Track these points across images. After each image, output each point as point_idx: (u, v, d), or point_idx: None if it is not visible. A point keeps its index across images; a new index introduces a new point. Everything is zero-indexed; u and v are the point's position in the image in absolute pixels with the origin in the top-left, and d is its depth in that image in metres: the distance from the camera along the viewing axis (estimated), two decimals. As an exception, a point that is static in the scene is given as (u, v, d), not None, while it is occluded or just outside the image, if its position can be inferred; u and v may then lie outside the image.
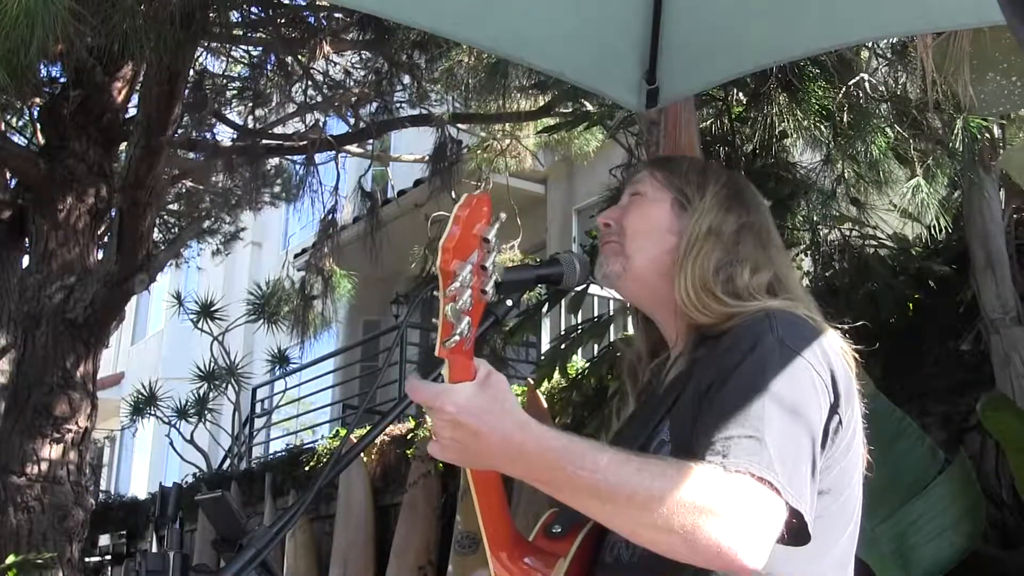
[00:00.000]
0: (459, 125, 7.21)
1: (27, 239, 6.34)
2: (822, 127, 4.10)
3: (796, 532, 1.10)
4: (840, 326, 1.34)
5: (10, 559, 4.97)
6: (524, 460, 1.08)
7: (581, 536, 1.27)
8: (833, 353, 1.25)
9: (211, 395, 11.83)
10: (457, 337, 1.07)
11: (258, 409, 11.60)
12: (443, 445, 1.10)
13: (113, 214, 5.93)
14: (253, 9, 6.14)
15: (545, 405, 5.78)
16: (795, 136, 4.20)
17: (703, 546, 1.03)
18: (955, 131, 3.65)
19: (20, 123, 7.14)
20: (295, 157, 7.89)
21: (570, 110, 5.75)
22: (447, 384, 1.09)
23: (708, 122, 4.43)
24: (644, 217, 1.41)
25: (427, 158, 7.31)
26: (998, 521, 3.51)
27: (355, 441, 1.24)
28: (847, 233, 4.47)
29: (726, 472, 1.07)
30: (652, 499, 1.04)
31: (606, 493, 1.06)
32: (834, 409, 1.20)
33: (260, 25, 6.31)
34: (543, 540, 1.30)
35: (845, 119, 4.01)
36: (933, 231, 4.06)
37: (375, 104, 7.07)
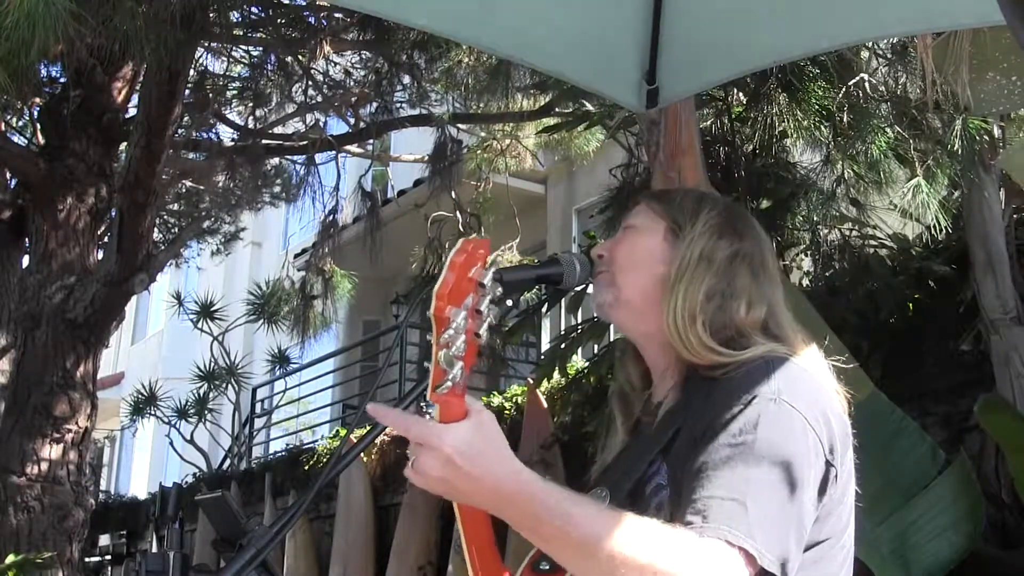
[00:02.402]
0: (459, 125, 7.21)
1: (27, 239, 6.34)
2: (822, 127, 4.10)
3: None
4: (837, 363, 1.34)
5: (10, 559, 4.97)
6: (513, 507, 1.09)
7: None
8: (827, 402, 1.25)
9: (211, 395, 11.83)
10: (449, 383, 1.08)
11: (258, 409, 11.60)
12: (428, 481, 1.10)
13: (113, 214, 5.93)
14: (253, 9, 6.14)
15: (545, 405, 5.78)
16: (795, 136, 4.21)
17: None
18: (955, 131, 3.65)
19: (20, 123, 7.13)
20: (295, 157, 7.89)
21: (570, 110, 5.76)
22: (441, 424, 1.09)
23: (708, 122, 4.44)
24: (634, 247, 1.41)
25: (427, 158, 7.32)
26: (998, 521, 3.51)
27: (355, 441, 1.24)
28: (847, 233, 4.47)
29: (700, 538, 1.08)
30: (624, 561, 1.05)
31: (589, 551, 1.07)
32: (829, 464, 1.21)
33: (260, 25, 6.31)
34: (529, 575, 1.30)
35: (845, 119, 4.01)
36: (933, 231, 4.06)
37: (375, 104, 7.07)
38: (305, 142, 7.35)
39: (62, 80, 6.18)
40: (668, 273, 1.35)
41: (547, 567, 1.28)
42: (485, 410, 1.12)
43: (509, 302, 1.24)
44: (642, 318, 1.38)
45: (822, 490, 1.20)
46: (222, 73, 7.36)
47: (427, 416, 1.11)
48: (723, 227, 1.39)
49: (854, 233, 4.48)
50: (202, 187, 8.45)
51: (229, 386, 11.74)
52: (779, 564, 1.09)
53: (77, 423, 5.65)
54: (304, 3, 6.55)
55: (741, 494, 1.11)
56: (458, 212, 7.21)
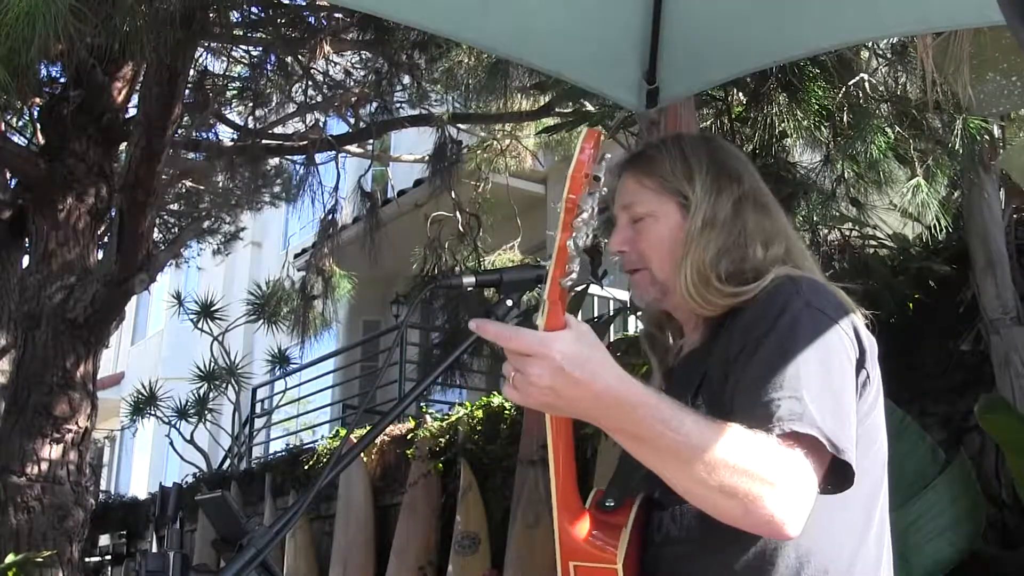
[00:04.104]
0: (459, 125, 7.21)
1: (27, 239, 6.34)
2: (822, 127, 4.10)
3: (842, 478, 1.16)
4: (848, 286, 1.39)
5: (10, 559, 4.97)
6: (617, 412, 1.10)
7: (636, 507, 1.30)
8: (852, 312, 1.31)
9: (211, 395, 11.83)
10: (574, 275, 1.06)
11: (258, 409, 11.60)
12: (532, 392, 1.08)
13: (113, 214, 5.93)
14: (253, 9, 6.14)
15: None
16: (795, 136, 4.20)
17: (759, 514, 1.10)
18: (955, 131, 3.65)
19: (20, 123, 7.14)
20: (295, 157, 7.89)
21: (570, 110, 5.76)
22: (548, 332, 1.08)
23: (708, 122, 4.43)
24: (660, 239, 1.41)
25: (427, 158, 7.32)
26: (998, 521, 3.51)
27: (355, 441, 1.24)
28: (847, 233, 4.47)
29: (781, 442, 1.12)
30: (725, 466, 1.09)
31: (686, 454, 1.09)
32: (861, 364, 1.26)
33: (260, 25, 6.31)
34: (599, 514, 1.31)
35: (845, 119, 4.01)
36: (933, 231, 4.06)
37: (375, 104, 7.07)
38: (305, 142, 7.36)
39: (62, 80, 6.18)
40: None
41: (612, 504, 1.31)
42: (581, 321, 1.13)
43: (509, 302, 1.25)
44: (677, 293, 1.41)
45: (855, 389, 1.25)
46: (222, 73, 7.36)
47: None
48: (719, 179, 1.40)
49: (854, 233, 4.48)
50: (202, 187, 8.46)
51: (229, 386, 11.74)
52: (846, 452, 1.14)
53: (77, 423, 5.65)
54: (304, 3, 6.55)
55: (796, 392, 1.15)
56: (458, 212, 7.21)
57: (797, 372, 1.17)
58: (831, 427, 1.14)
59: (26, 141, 6.84)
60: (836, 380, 1.21)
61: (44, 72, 6.13)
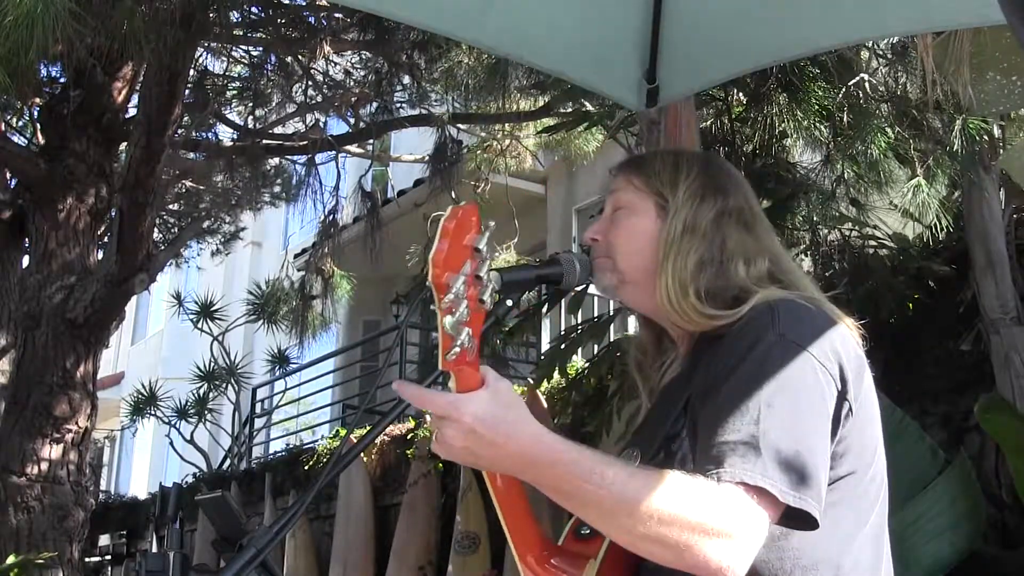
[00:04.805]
0: (459, 125, 7.21)
1: (27, 239, 6.33)
2: (822, 127, 4.10)
3: (805, 520, 1.13)
4: (836, 293, 1.36)
5: (10, 559, 4.97)
6: (535, 470, 1.11)
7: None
8: (839, 337, 1.25)
9: (211, 395, 11.83)
10: (457, 349, 1.08)
11: (258, 409, 11.60)
12: (452, 452, 1.11)
13: (113, 214, 5.93)
14: (253, 9, 6.14)
15: (545, 405, 5.78)
16: (795, 136, 4.21)
17: (693, 562, 1.08)
18: (955, 131, 3.65)
19: (20, 123, 7.13)
20: (295, 157, 7.89)
21: (570, 110, 5.75)
22: (459, 394, 1.09)
23: (708, 122, 4.44)
24: (630, 231, 1.40)
25: (427, 158, 7.31)
26: (998, 521, 3.51)
27: (355, 441, 1.24)
28: (847, 233, 4.47)
29: (719, 484, 1.10)
30: (651, 516, 1.08)
31: (608, 507, 1.09)
32: (843, 396, 1.21)
33: (260, 25, 6.31)
34: (572, 542, 1.30)
35: (845, 119, 4.01)
36: (933, 231, 4.07)
37: (375, 104, 7.07)
38: (305, 142, 7.35)
39: (62, 80, 6.18)
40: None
41: (587, 532, 1.29)
42: (501, 377, 1.12)
43: (509, 302, 1.24)
44: (649, 294, 1.38)
45: (836, 423, 1.20)
46: (222, 73, 7.36)
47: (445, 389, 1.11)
48: (704, 189, 1.38)
49: (854, 233, 4.48)
50: (202, 187, 8.45)
51: (229, 386, 11.74)
52: (801, 500, 1.11)
53: (77, 423, 5.65)
54: (304, 3, 6.54)
55: (752, 437, 1.12)
56: (458, 212, 7.20)
57: (757, 415, 1.13)
58: (787, 477, 1.10)
59: (26, 141, 6.84)
60: (804, 422, 1.16)
61: (44, 72, 6.13)
